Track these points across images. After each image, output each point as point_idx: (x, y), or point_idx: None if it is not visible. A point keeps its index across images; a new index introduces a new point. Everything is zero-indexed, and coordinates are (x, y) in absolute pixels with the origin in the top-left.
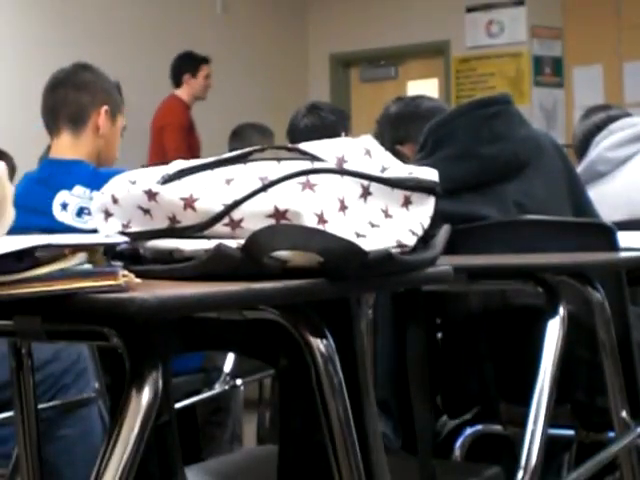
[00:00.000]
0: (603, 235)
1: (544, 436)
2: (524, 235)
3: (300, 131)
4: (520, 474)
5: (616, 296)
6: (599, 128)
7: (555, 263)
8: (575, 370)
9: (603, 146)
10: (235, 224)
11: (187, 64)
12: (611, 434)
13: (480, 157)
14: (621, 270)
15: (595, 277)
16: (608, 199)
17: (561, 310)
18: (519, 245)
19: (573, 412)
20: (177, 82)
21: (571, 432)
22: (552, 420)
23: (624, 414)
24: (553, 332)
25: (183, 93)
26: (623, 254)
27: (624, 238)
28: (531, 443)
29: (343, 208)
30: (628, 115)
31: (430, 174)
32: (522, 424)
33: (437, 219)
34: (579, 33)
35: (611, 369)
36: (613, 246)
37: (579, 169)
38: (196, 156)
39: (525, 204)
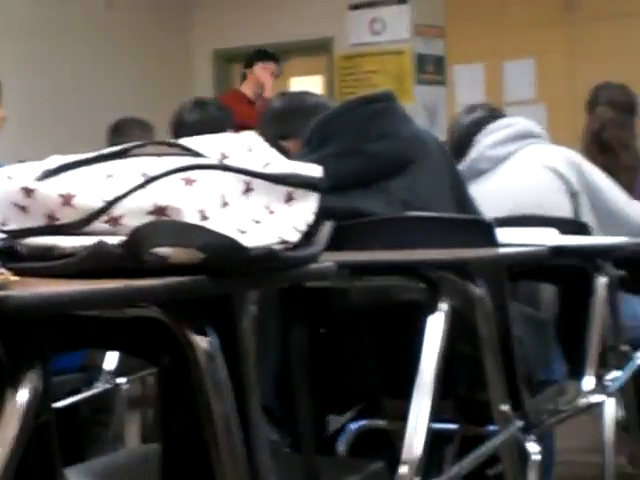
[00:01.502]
0: (484, 231)
1: (426, 430)
2: (408, 231)
3: (186, 126)
4: (403, 468)
5: (497, 291)
6: (478, 127)
7: (436, 259)
8: (457, 365)
9: (483, 145)
10: (115, 221)
11: (254, 60)
12: (492, 427)
13: (366, 154)
14: (501, 266)
15: (476, 273)
16: (489, 196)
17: (442, 305)
18: (403, 241)
19: (455, 406)
20: (242, 76)
21: (454, 426)
22: (435, 414)
23: (505, 408)
24: (434, 327)
25: (246, 87)
26: (503, 250)
27: (505, 234)
28: (413, 437)
29: (225, 204)
30: (502, 115)
31: (314, 170)
32: (406, 419)
33: (322, 215)
34: (461, 32)
35: (492, 364)
36: (493, 242)
37: (461, 167)
38: None
39: (409, 200)
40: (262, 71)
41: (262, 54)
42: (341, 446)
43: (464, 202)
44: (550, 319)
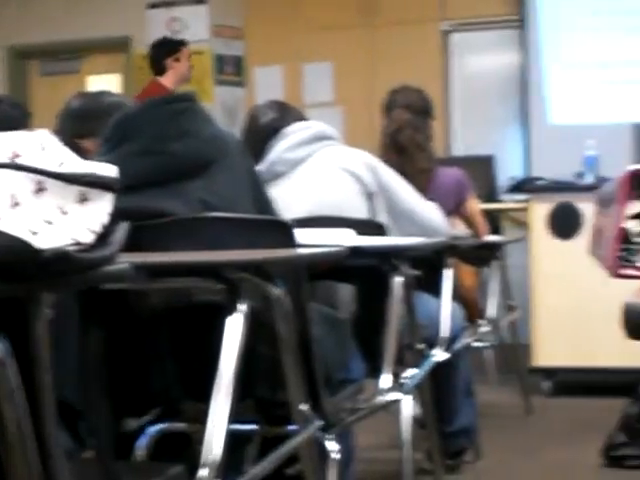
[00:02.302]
0: (283, 232)
1: (225, 432)
2: (208, 232)
3: None
4: (202, 471)
5: (295, 292)
6: (275, 129)
7: (234, 260)
8: (257, 365)
9: (281, 147)
10: None
11: (168, 49)
12: (292, 427)
13: (166, 153)
14: (300, 266)
15: (275, 273)
16: (287, 198)
17: (241, 306)
18: (203, 242)
19: (255, 407)
20: (160, 69)
21: (253, 427)
22: (234, 416)
23: (304, 407)
24: (233, 328)
25: (167, 79)
26: (302, 251)
27: (303, 235)
28: (213, 440)
29: (15, 204)
30: (296, 112)
31: (109, 170)
32: (205, 421)
33: (119, 215)
34: (260, 34)
35: (291, 364)
36: (292, 243)
37: (259, 169)
38: None
39: (210, 201)
40: (185, 59)
41: (179, 43)
42: (140, 450)
43: (263, 203)
44: (348, 318)
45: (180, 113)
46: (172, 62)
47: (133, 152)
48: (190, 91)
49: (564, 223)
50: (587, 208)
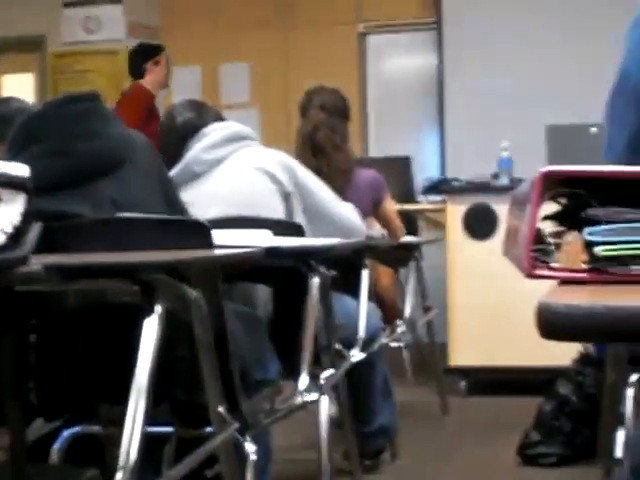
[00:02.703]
0: (199, 233)
1: (142, 435)
2: (121, 233)
3: None
4: (119, 474)
5: (212, 293)
6: (192, 129)
7: (150, 261)
8: (174, 368)
9: (198, 147)
10: None
11: (147, 53)
12: (210, 429)
13: (74, 154)
14: (216, 267)
15: (191, 274)
16: (204, 198)
17: (157, 308)
18: (117, 243)
19: (172, 409)
20: (139, 73)
21: (170, 429)
22: (151, 418)
23: (221, 409)
24: (149, 331)
25: (146, 82)
26: (218, 251)
27: (220, 236)
28: (129, 443)
29: None
30: (212, 110)
31: (20, 170)
32: (122, 424)
33: (31, 217)
34: (177, 34)
35: (208, 365)
36: (209, 244)
37: (176, 170)
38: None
39: (121, 202)
40: (164, 63)
41: (157, 47)
42: (55, 453)
43: (173, 203)
44: (264, 319)
45: (84, 113)
46: (151, 66)
47: (41, 154)
48: (93, 91)
49: (479, 224)
50: (502, 209)
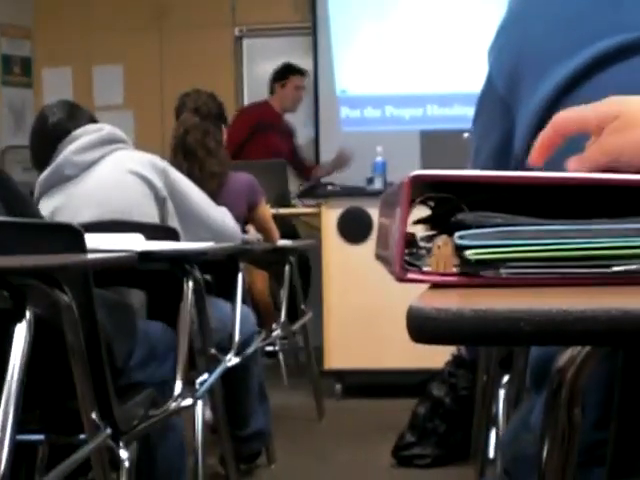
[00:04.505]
0: (71, 237)
1: (12, 443)
2: None
3: None
4: None
5: (85, 298)
6: (65, 130)
7: (19, 266)
8: (46, 375)
9: (70, 150)
10: None
11: (278, 74)
12: (83, 436)
13: None
14: (89, 272)
15: (63, 279)
16: (76, 202)
17: (28, 314)
18: None
19: (43, 417)
20: (270, 90)
21: (42, 436)
22: (22, 425)
23: (94, 416)
24: (19, 336)
25: (273, 101)
26: (91, 256)
27: (93, 240)
28: None
29: None
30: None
31: None
32: None
33: None
34: (49, 34)
35: (80, 372)
36: (81, 248)
37: (46, 172)
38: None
39: None
40: (291, 88)
41: (287, 71)
42: None
43: (21, 206)
44: (136, 308)
45: None
46: (279, 87)
47: None
48: None
49: (354, 228)
50: (376, 213)
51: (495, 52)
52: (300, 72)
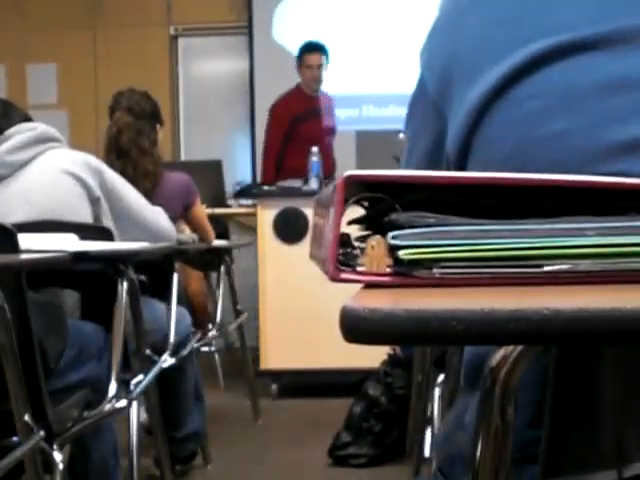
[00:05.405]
0: (4, 237)
1: None
2: None
3: None
4: None
5: (17, 299)
6: None
7: None
8: None
9: (2, 149)
10: None
11: (298, 56)
12: (16, 438)
13: None
14: (21, 272)
15: None
16: (9, 202)
17: None
18: None
19: None
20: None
21: None
22: None
23: (27, 418)
24: None
25: (302, 83)
26: (23, 256)
27: (25, 240)
28: None
29: None
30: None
31: None
32: None
33: None
34: None
35: (12, 373)
36: (14, 248)
37: None
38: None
39: None
40: (306, 65)
41: (301, 51)
42: None
43: None
44: (64, 305)
45: None
46: (299, 68)
47: None
48: None
49: (290, 228)
50: (312, 213)
51: (427, 54)
52: (308, 49)
